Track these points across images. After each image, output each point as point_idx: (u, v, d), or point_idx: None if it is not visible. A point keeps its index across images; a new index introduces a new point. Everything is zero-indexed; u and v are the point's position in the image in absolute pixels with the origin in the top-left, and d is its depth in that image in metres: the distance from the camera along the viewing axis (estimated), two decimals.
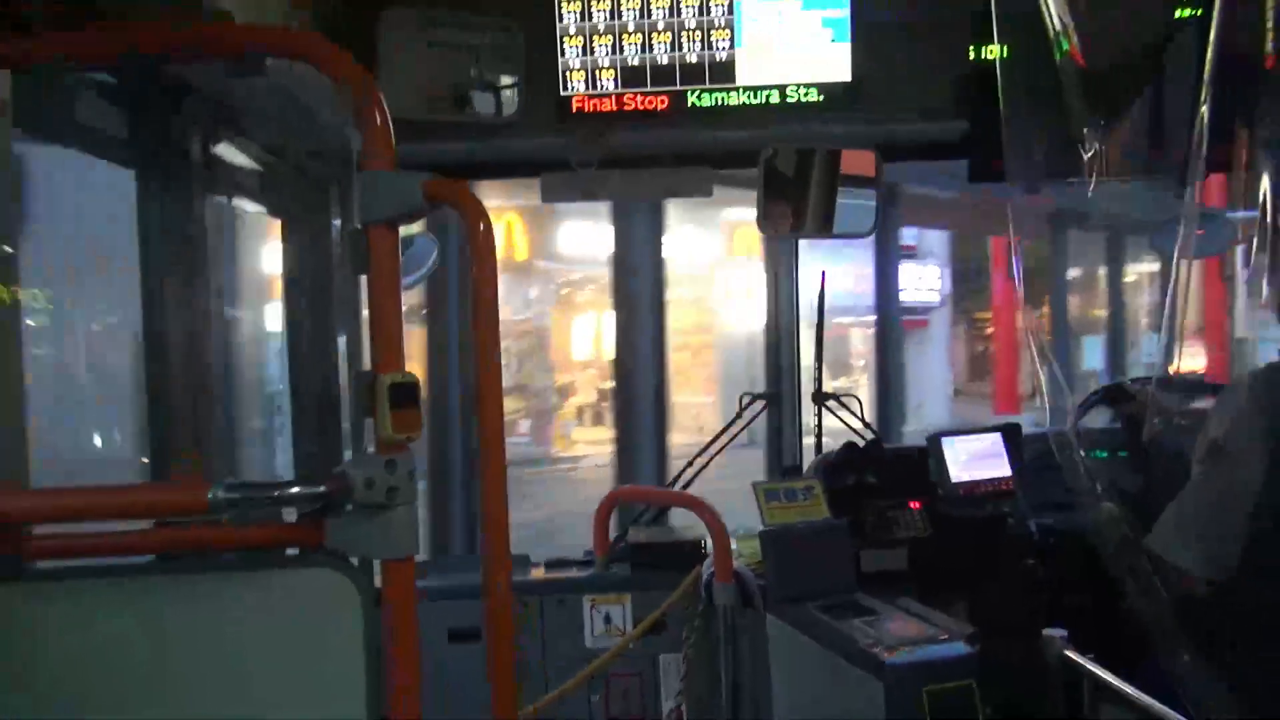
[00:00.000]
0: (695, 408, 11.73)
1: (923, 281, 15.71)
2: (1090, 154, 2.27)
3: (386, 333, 1.37)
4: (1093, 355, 14.39)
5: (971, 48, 2.82)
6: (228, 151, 2.56)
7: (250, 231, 3.24)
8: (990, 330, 17.61)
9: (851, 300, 12.44)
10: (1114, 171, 2.36)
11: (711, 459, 3.37)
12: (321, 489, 1.31)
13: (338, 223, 3.13)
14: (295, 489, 1.31)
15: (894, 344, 12.61)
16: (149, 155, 2.17)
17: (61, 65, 1.58)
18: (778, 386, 3.42)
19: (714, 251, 13.22)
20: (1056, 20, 2.26)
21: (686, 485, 3.34)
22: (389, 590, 1.37)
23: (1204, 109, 1.87)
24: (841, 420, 3.29)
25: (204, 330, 2.32)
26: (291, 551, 1.52)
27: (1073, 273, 14.92)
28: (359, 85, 1.35)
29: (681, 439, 9.25)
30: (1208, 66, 1.85)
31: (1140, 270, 14.14)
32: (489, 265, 1.42)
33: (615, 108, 2.84)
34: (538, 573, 3.18)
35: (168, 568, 1.41)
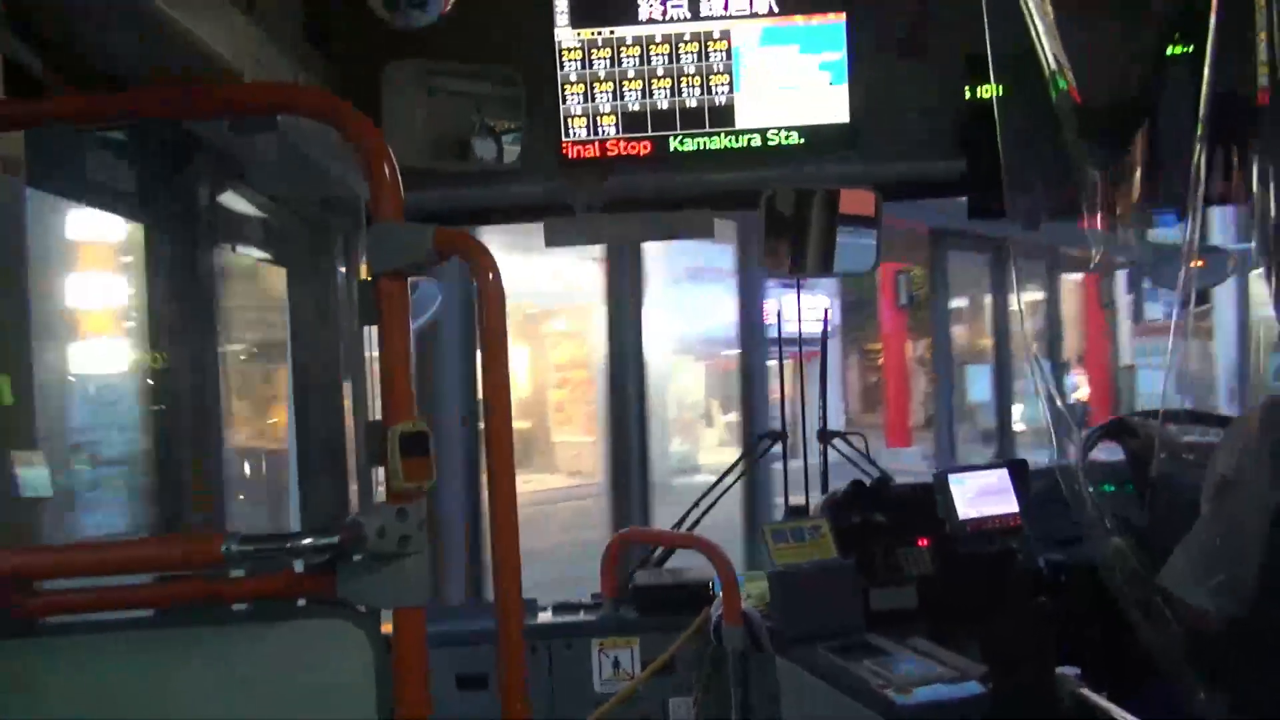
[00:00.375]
0: (576, 448, 10.73)
1: (813, 312, 15.35)
2: (1090, 190, 2.30)
3: (396, 383, 1.38)
4: (979, 385, 14.13)
5: (967, 87, 2.85)
6: (234, 201, 2.60)
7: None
8: (881, 361, 17.31)
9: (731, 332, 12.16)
10: (1113, 206, 2.39)
11: (719, 498, 3.37)
12: (335, 540, 1.31)
13: (343, 270, 3.16)
14: (308, 540, 1.31)
15: (759, 377, 12.11)
16: (158, 209, 2.19)
17: (75, 126, 1.60)
18: (783, 424, 3.42)
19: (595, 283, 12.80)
20: (1051, 59, 2.30)
21: (693, 526, 3.33)
22: (400, 639, 1.37)
23: (1200, 145, 1.90)
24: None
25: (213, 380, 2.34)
26: (300, 602, 1.52)
27: (959, 301, 14.57)
28: (368, 140, 1.37)
29: (560, 482, 8.95)
30: (1203, 104, 1.88)
31: (1027, 298, 13.78)
32: (499, 315, 1.43)
33: (617, 152, 2.88)
34: (545, 616, 3.16)
35: (177, 621, 1.41)
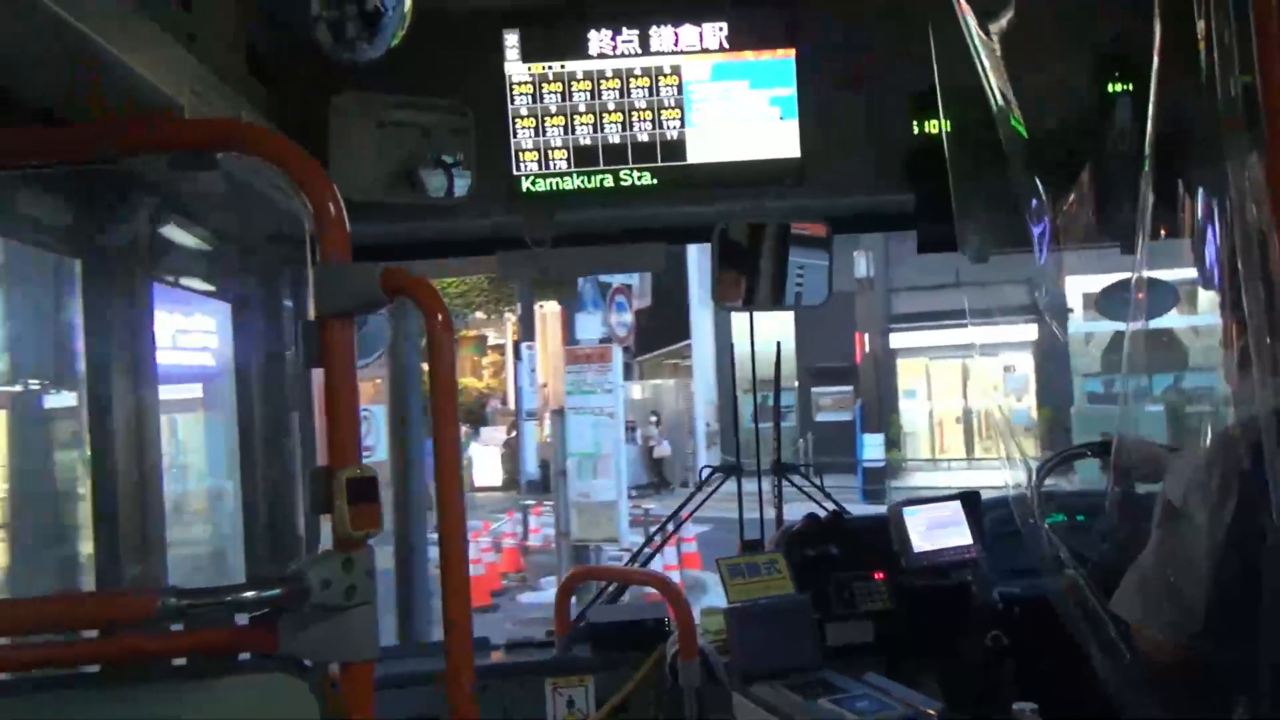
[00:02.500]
0: None
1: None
2: (1036, 222, 2.32)
3: (343, 427, 1.34)
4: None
5: (915, 122, 2.88)
6: (176, 235, 2.53)
7: None
8: None
9: None
10: (1061, 239, 2.42)
11: (672, 534, 3.34)
12: (276, 592, 1.26)
13: (289, 304, 3.09)
14: (248, 593, 1.27)
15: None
16: (94, 244, 2.13)
17: (5, 165, 1.55)
18: (738, 458, 3.41)
19: None
20: (998, 94, 2.33)
21: (646, 562, 3.30)
22: (348, 694, 1.32)
23: (1145, 180, 1.93)
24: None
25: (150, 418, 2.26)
26: (244, 656, 1.46)
27: None
28: (313, 179, 1.34)
29: None
30: (1148, 140, 1.91)
31: None
32: (447, 356, 1.40)
33: (568, 186, 2.87)
34: (497, 655, 3.10)
35: (116, 677, 1.35)
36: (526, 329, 10.06)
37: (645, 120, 2.86)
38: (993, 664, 2.61)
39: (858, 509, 3.48)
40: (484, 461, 23.64)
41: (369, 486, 1.33)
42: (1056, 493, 2.76)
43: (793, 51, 2.87)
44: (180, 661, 1.40)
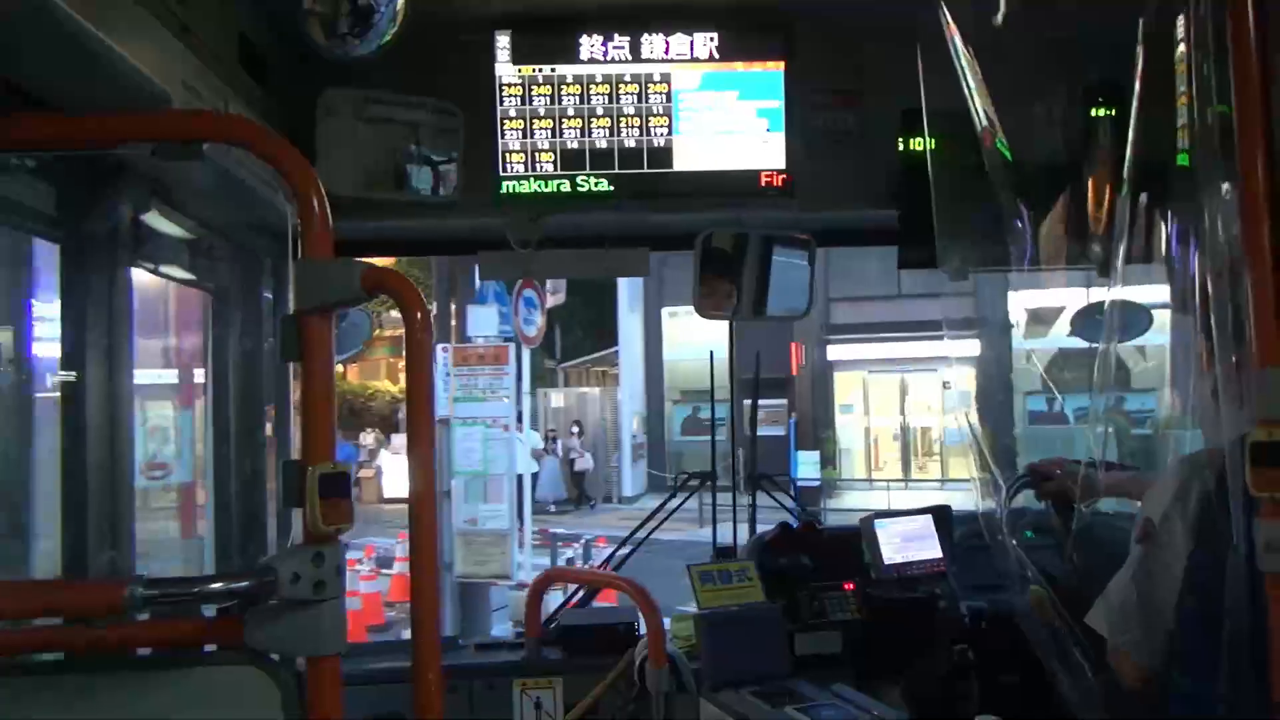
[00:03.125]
0: None
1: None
2: (1017, 243, 2.35)
3: (319, 422, 1.34)
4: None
5: (900, 140, 2.91)
6: (157, 221, 2.52)
7: None
8: None
9: None
10: (1040, 259, 2.45)
11: (644, 540, 3.35)
12: (245, 584, 1.27)
13: (269, 295, 3.08)
14: (217, 585, 1.27)
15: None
16: (75, 229, 2.12)
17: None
18: (714, 466, 3.43)
19: None
20: (983, 115, 2.36)
21: (618, 566, 3.31)
22: (314, 689, 1.32)
23: (1124, 205, 1.96)
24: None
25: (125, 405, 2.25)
26: (209, 648, 1.46)
27: None
28: (298, 172, 1.34)
29: None
30: (1127, 166, 1.94)
31: None
32: (424, 353, 1.41)
33: (554, 189, 2.87)
34: (466, 655, 3.10)
35: (82, 666, 1.34)
36: (442, 329, 8.57)
37: (633, 126, 2.87)
38: (957, 677, 2.63)
39: None
40: (394, 471, 20.35)
41: (341, 482, 1.34)
42: (1028, 510, 2.79)
43: (782, 64, 2.89)
44: (145, 652, 1.40)
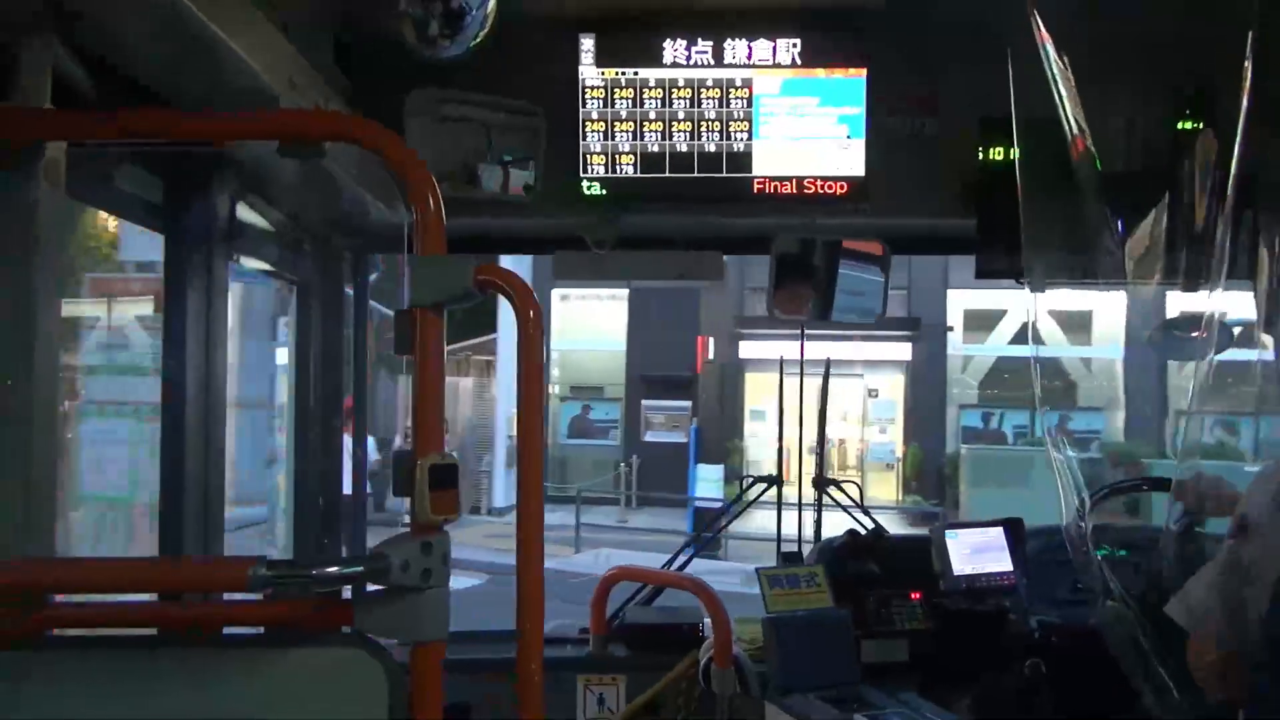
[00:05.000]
0: None
1: None
2: (1107, 256, 2.33)
3: (429, 415, 1.38)
4: None
5: (980, 148, 2.89)
6: (249, 215, 2.59)
7: None
8: None
9: None
10: (1130, 273, 2.42)
11: (711, 538, 3.36)
12: (359, 569, 1.31)
13: (349, 291, 3.15)
14: (331, 569, 1.31)
15: None
16: (179, 221, 2.19)
17: (116, 142, 1.60)
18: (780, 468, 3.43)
19: None
20: (1074, 123, 2.33)
21: (684, 566, 3.32)
22: (417, 673, 1.36)
23: (1224, 220, 1.93)
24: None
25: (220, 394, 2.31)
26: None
27: None
28: (414, 173, 1.38)
29: None
30: (1231, 180, 1.92)
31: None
32: (537, 348, 1.44)
33: (633, 191, 2.90)
34: None
35: (191, 641, 1.39)
36: None
37: (714, 130, 2.89)
38: (1029, 691, 2.61)
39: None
40: None
41: (449, 473, 1.37)
42: (1111, 527, 2.75)
43: (864, 71, 2.89)
44: (248, 632, 1.44)
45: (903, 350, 18.64)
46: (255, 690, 1.36)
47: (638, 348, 18.50)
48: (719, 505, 13.25)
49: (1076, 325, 16.49)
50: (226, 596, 1.41)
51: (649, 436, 18.43)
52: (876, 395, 19.26)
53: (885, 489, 17.97)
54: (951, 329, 17.93)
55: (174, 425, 2.17)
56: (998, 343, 17.80)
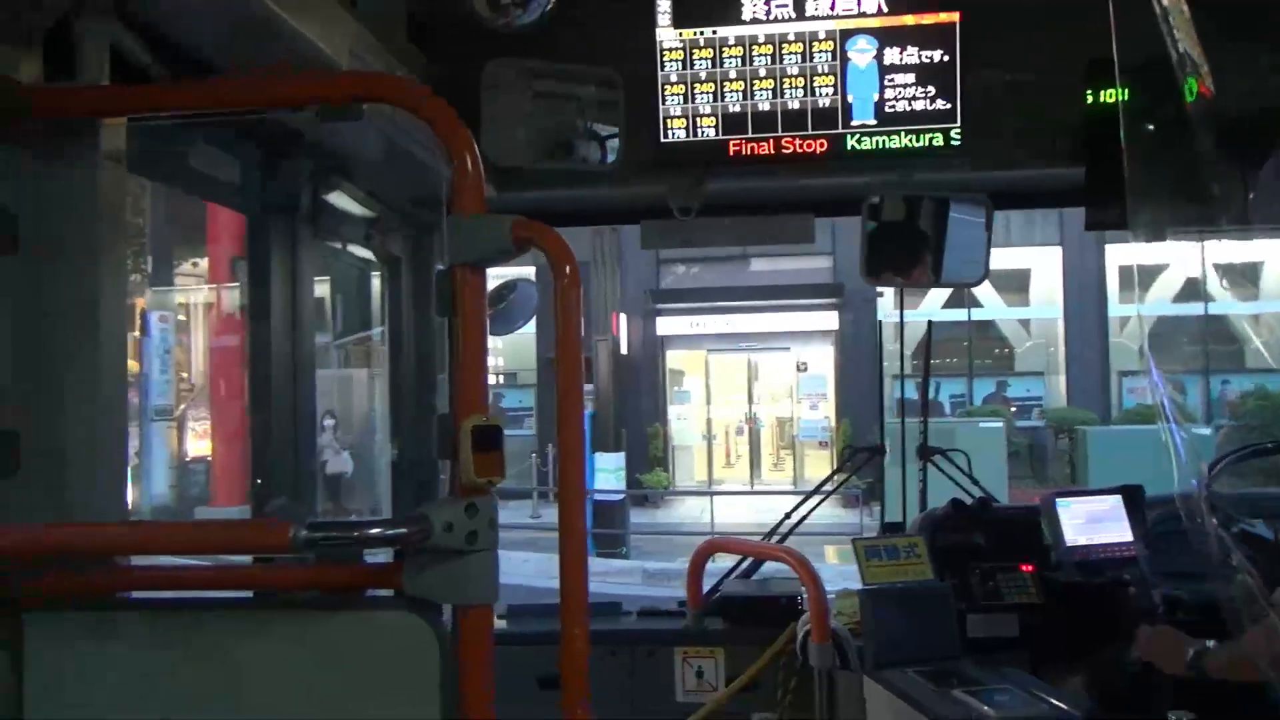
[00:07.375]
0: None
1: None
2: (1224, 203, 2.14)
3: (470, 376, 1.35)
4: None
5: (1089, 92, 2.70)
6: (334, 195, 2.63)
7: None
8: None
9: None
10: (1252, 220, 2.22)
11: (811, 511, 3.28)
12: (401, 531, 1.30)
13: (440, 267, 3.18)
14: (375, 530, 1.30)
15: None
16: (259, 199, 2.23)
17: (176, 116, 1.64)
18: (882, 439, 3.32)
19: None
20: (1189, 62, 2.14)
21: (784, 538, 3.25)
22: (465, 636, 1.34)
23: None
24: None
25: (306, 370, 2.37)
26: (371, 593, 1.51)
27: None
28: (451, 130, 1.35)
29: None
30: None
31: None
32: (574, 307, 1.40)
33: (716, 155, 2.82)
34: (629, 621, 3.12)
35: (244, 604, 1.41)
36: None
37: (798, 87, 2.78)
38: (1149, 669, 2.44)
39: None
40: None
41: (494, 435, 1.35)
42: (1239, 494, 2.55)
43: (956, 15, 2.73)
44: (308, 595, 1.45)
45: (829, 319, 17.30)
46: (306, 653, 1.37)
47: (548, 329, 17.83)
48: (619, 498, 13.57)
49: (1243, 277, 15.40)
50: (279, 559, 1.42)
51: None
52: (806, 369, 18.16)
53: (822, 467, 15.99)
54: (880, 295, 16.05)
55: (263, 402, 2.23)
56: (931, 306, 16.09)
